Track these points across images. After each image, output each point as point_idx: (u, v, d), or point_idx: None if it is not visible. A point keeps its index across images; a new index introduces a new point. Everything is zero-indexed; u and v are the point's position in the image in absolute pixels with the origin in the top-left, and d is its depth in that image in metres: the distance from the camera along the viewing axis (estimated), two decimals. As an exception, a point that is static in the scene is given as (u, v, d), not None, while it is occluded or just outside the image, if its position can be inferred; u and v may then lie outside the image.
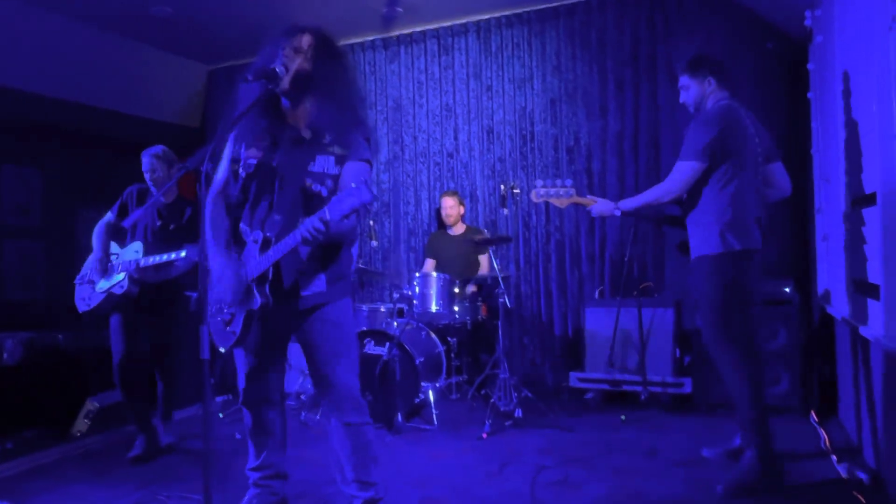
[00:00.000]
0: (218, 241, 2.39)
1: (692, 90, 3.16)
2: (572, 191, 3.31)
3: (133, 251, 3.65)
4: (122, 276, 3.59)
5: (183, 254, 3.43)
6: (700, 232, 3.03)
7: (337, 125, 2.32)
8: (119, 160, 6.28)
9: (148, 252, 3.59)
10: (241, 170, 2.38)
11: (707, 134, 2.94)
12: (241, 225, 2.39)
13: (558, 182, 3.32)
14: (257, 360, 2.48)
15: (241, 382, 2.51)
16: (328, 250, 2.37)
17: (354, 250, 2.56)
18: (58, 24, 4.96)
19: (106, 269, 3.66)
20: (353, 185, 1.98)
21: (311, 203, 2.28)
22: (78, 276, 3.76)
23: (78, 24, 5.08)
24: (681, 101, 3.25)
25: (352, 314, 2.50)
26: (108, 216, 3.77)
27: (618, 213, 3.20)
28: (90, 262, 3.72)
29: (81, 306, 3.71)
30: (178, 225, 3.71)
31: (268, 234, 2.26)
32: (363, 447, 2.44)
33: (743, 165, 2.96)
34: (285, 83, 2.26)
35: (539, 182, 3.37)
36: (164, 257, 3.49)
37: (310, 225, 2.05)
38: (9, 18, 4.66)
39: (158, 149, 3.78)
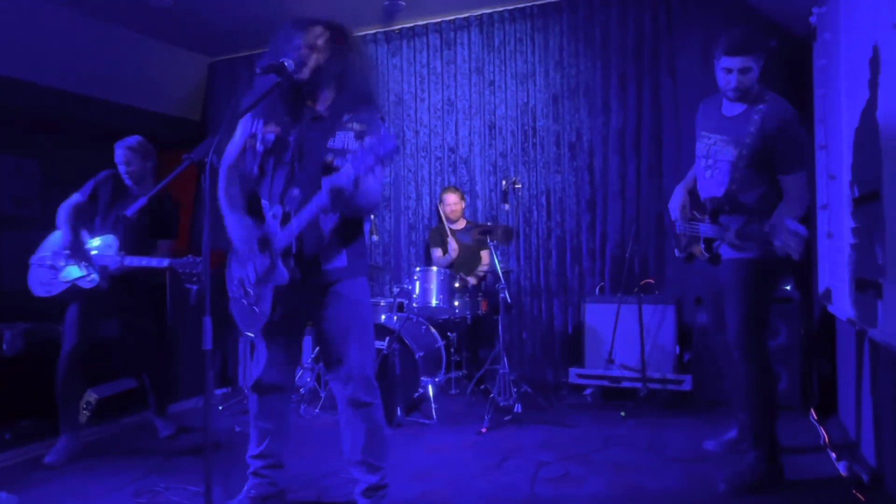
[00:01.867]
0: (234, 211, 2.42)
1: (753, 74, 2.74)
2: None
3: (107, 246, 3.51)
4: (93, 272, 3.45)
5: (166, 263, 3.37)
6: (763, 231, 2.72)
7: (354, 105, 2.38)
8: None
9: (122, 247, 3.49)
10: (258, 145, 2.41)
11: (805, 137, 2.77)
12: (263, 200, 2.42)
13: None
14: (278, 346, 2.50)
15: (258, 368, 2.51)
16: (349, 226, 2.41)
17: (366, 227, 2.59)
18: (58, 13, 4.93)
19: (76, 256, 3.47)
20: (375, 137, 2.04)
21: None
22: (36, 257, 3.56)
23: (78, 13, 5.05)
24: (729, 84, 2.77)
25: (368, 295, 2.53)
26: (77, 197, 3.61)
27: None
28: (54, 245, 3.54)
29: (39, 290, 3.52)
30: (152, 218, 3.60)
31: (287, 209, 2.29)
32: (373, 429, 2.45)
33: None
34: (304, 75, 2.31)
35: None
36: (149, 262, 3.41)
37: (335, 182, 2.08)
38: (8, 7, 4.63)
39: (133, 140, 3.63)
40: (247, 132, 2.47)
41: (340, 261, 2.39)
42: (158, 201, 3.61)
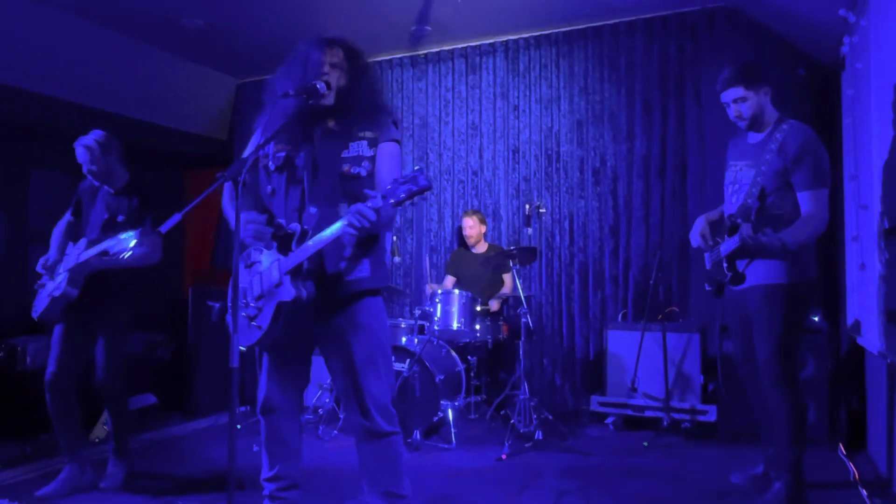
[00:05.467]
0: (241, 210, 2.37)
1: (750, 102, 2.93)
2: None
3: (76, 250, 3.30)
4: (61, 276, 3.26)
5: (124, 235, 3.00)
6: (780, 258, 2.84)
7: (364, 114, 2.36)
8: (146, 169, 6.37)
9: (92, 245, 3.24)
10: (270, 163, 2.40)
11: (826, 156, 2.82)
12: (278, 219, 2.37)
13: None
14: (282, 367, 2.44)
15: (262, 389, 2.46)
16: (371, 236, 2.36)
17: (388, 237, 2.54)
18: (91, 32, 5.04)
19: (52, 271, 3.35)
20: (416, 168, 2.01)
21: (350, 187, 2.30)
22: (38, 282, 3.42)
23: (111, 33, 5.16)
24: (734, 115, 3.00)
25: (385, 316, 2.46)
26: (67, 216, 3.55)
27: (780, 248, 2.75)
28: (39, 264, 3.43)
29: (34, 312, 3.36)
30: (126, 216, 3.36)
31: (305, 227, 2.25)
32: (393, 458, 2.38)
33: None
34: (330, 100, 2.30)
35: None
36: (101, 246, 3.12)
37: (360, 210, 2.03)
38: (40, 25, 4.74)
39: (90, 138, 3.39)
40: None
41: (363, 270, 2.34)
42: (127, 199, 3.40)
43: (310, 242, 2.19)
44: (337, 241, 2.22)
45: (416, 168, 2.01)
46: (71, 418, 3.36)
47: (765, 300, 2.89)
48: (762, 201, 2.90)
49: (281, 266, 2.24)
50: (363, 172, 2.30)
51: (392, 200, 2.01)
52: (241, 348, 2.31)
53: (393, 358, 4.12)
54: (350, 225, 2.06)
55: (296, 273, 2.23)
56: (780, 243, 2.71)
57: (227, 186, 2.48)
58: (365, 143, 2.34)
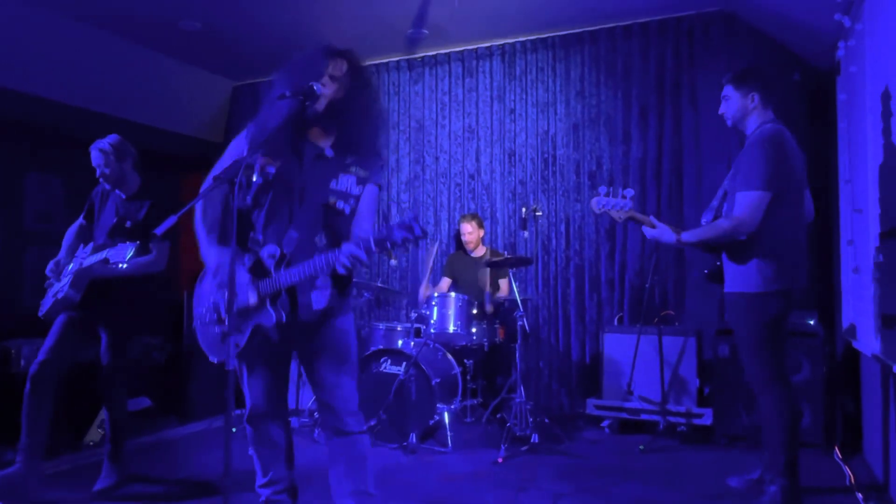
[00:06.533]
0: (211, 235, 2.36)
1: (733, 102, 3.06)
2: (630, 203, 3.08)
3: (84, 253, 3.33)
4: (66, 279, 3.29)
5: (124, 246, 2.93)
6: (741, 266, 2.90)
7: (360, 148, 2.36)
8: (140, 170, 6.35)
9: (98, 251, 3.24)
10: (255, 176, 2.35)
11: (770, 159, 2.81)
12: (254, 234, 2.35)
13: (620, 192, 3.10)
14: (264, 375, 2.44)
15: (246, 399, 2.48)
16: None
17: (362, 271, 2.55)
18: (86, 34, 5.02)
19: (59, 273, 3.39)
20: (407, 217, 1.99)
21: (332, 220, 2.31)
22: (47, 282, 3.46)
23: (106, 34, 5.15)
24: (720, 111, 3.14)
25: (352, 327, 2.48)
26: (79, 219, 3.58)
27: (674, 243, 3.01)
28: (49, 266, 3.45)
29: (41, 311, 3.39)
30: (135, 222, 3.37)
31: (285, 251, 2.24)
32: (360, 457, 2.40)
33: (790, 194, 2.88)
34: (320, 107, 2.27)
35: (602, 189, 3.13)
36: (102, 255, 3.10)
37: (356, 255, 2.04)
38: (36, 27, 4.73)
39: (105, 142, 3.44)
40: (244, 162, 2.42)
41: (332, 300, 2.35)
42: (137, 204, 3.43)
43: (293, 270, 2.18)
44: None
45: (413, 217, 1.98)
46: (41, 418, 3.28)
47: (733, 308, 2.98)
48: (721, 203, 3.06)
49: (262, 289, 2.23)
50: (346, 210, 2.31)
51: (388, 244, 2.00)
52: (213, 360, 2.34)
53: (389, 360, 4.20)
54: (343, 266, 2.07)
55: (276, 298, 2.23)
56: (675, 239, 2.97)
57: (199, 206, 2.42)
58: (354, 179, 2.34)
